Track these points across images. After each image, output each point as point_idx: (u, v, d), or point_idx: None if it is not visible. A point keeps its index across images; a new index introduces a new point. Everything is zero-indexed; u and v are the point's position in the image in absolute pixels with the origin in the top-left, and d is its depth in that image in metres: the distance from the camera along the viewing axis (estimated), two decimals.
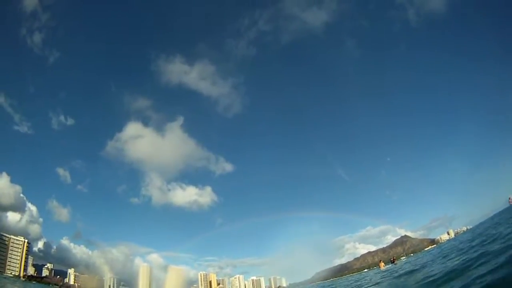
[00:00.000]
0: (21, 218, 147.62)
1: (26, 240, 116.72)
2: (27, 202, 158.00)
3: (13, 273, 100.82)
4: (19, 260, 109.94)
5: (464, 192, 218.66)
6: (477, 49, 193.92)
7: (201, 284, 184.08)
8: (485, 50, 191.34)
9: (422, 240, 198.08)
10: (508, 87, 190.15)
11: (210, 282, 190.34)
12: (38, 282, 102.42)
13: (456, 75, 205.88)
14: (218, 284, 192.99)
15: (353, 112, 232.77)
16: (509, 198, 52.85)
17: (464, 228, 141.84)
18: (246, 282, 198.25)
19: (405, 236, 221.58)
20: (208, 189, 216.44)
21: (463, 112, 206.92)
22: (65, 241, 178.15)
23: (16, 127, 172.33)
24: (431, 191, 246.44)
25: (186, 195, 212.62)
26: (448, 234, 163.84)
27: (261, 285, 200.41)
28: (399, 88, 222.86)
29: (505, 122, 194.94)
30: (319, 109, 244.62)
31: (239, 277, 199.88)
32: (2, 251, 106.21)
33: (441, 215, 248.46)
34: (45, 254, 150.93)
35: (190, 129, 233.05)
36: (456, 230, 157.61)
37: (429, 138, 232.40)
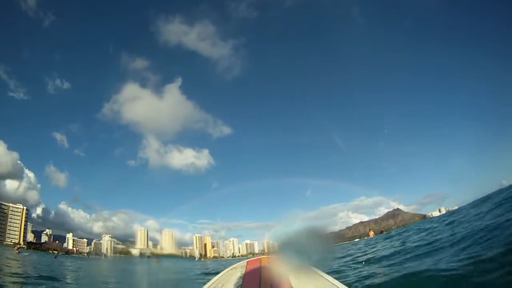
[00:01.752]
0: (19, 185, 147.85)
1: (25, 207, 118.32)
2: (24, 169, 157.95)
3: (13, 241, 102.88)
4: (18, 227, 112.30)
5: (460, 171, 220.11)
6: (490, 30, 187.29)
7: (196, 247, 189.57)
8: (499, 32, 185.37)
9: (413, 215, 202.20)
10: None
11: (205, 244, 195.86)
12: (36, 249, 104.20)
13: (463, 52, 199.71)
14: (213, 246, 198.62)
15: (354, 81, 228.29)
16: None
17: (456, 207, 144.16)
18: (240, 245, 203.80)
19: (398, 209, 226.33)
20: (205, 151, 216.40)
21: (469, 94, 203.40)
22: (63, 206, 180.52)
23: (11, 94, 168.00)
24: (427, 167, 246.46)
25: (183, 158, 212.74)
26: (440, 211, 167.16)
27: (255, 248, 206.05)
28: (402, 62, 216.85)
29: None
30: (320, 76, 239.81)
31: (233, 240, 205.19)
32: (2, 219, 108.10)
33: (435, 191, 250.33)
34: (44, 220, 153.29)
35: (189, 90, 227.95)
36: (447, 208, 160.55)
37: (430, 114, 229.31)
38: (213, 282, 2.61)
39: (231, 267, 3.00)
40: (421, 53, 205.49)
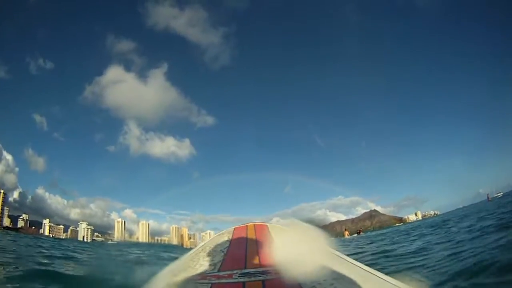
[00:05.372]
0: None
1: (2, 191, 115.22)
2: (2, 151, 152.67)
3: None
4: None
5: (438, 178, 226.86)
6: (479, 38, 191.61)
7: (173, 237, 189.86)
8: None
9: (390, 217, 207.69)
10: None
11: (182, 235, 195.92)
12: (16, 231, 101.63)
13: (454, 58, 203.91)
14: (190, 238, 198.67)
15: (340, 80, 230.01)
16: (487, 196, 57.60)
17: (432, 212, 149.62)
18: None
19: (375, 210, 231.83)
20: (187, 141, 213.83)
21: (455, 102, 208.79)
22: (40, 191, 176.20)
23: None
24: (406, 170, 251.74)
25: (164, 146, 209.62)
26: (416, 215, 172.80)
27: None
28: (390, 63, 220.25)
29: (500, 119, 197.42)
30: (306, 73, 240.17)
31: (210, 232, 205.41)
32: None
33: (412, 195, 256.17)
34: (21, 205, 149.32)
35: (174, 77, 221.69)
36: (424, 213, 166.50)
37: (413, 119, 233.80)
38: (201, 246, 2.70)
39: (218, 233, 3.09)
40: (410, 55, 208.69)
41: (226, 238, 2.87)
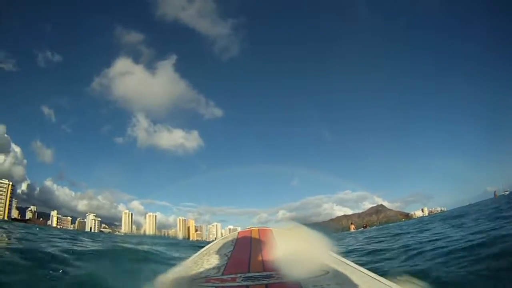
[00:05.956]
0: (5, 160, 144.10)
1: (10, 183, 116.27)
2: (11, 143, 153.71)
3: None
4: (3, 203, 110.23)
5: (446, 175, 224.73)
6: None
7: (180, 229, 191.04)
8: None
9: (396, 213, 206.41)
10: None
11: (188, 227, 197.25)
12: (25, 222, 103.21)
13: (457, 60, 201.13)
14: (196, 230, 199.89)
15: (350, 75, 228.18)
16: (495, 193, 57.26)
17: (439, 209, 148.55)
18: (223, 230, 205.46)
19: (381, 205, 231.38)
20: (195, 133, 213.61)
21: (464, 96, 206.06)
22: (48, 183, 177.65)
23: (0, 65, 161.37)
24: (414, 166, 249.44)
25: (172, 138, 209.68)
26: (422, 211, 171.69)
27: None
28: (399, 60, 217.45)
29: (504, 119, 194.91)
30: (315, 65, 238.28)
31: (216, 225, 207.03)
32: None
33: (420, 191, 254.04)
34: (29, 196, 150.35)
35: (183, 69, 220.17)
36: (430, 209, 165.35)
37: (422, 115, 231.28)
38: (205, 249, 2.74)
39: (223, 236, 3.16)
40: (416, 55, 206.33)
41: (230, 242, 2.89)
